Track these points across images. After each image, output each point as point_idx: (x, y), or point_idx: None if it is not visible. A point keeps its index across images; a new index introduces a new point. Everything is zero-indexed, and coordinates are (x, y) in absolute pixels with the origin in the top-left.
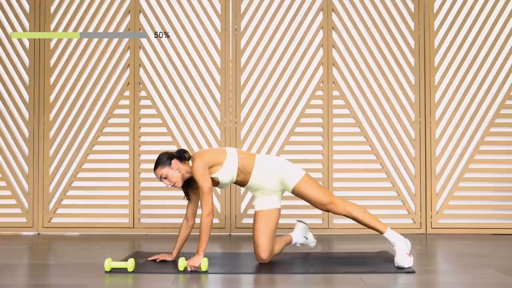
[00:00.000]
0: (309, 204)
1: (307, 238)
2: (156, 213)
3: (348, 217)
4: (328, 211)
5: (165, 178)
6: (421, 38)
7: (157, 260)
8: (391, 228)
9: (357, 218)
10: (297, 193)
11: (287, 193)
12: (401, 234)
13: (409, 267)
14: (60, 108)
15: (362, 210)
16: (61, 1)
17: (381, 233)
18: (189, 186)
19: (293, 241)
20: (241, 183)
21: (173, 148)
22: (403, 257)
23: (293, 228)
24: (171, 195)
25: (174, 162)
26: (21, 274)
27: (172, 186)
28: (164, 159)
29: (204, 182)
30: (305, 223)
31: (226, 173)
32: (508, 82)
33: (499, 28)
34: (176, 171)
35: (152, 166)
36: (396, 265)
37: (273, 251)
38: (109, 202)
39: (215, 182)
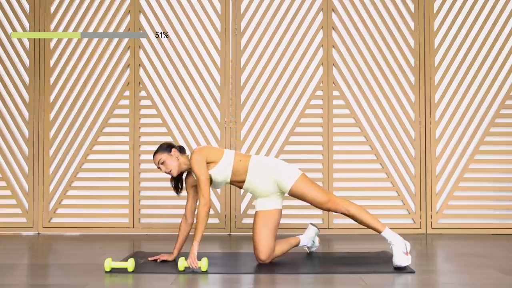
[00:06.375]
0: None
1: (314, 242)
2: (156, 213)
3: (347, 215)
4: (328, 210)
5: (162, 163)
6: (421, 38)
7: (158, 261)
8: (390, 228)
9: (356, 216)
10: (295, 194)
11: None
12: (401, 234)
13: (407, 266)
14: (60, 108)
15: (361, 209)
16: (61, 1)
17: (379, 232)
18: (188, 183)
19: (301, 244)
20: (237, 184)
21: None
22: (400, 256)
23: (294, 228)
24: (171, 195)
25: (174, 151)
26: (21, 274)
27: (168, 173)
28: (164, 146)
29: (201, 173)
30: (317, 227)
31: (219, 173)
32: (508, 82)
33: (499, 28)
34: (174, 159)
35: (152, 166)
36: (394, 266)
37: (274, 252)
38: (109, 202)
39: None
